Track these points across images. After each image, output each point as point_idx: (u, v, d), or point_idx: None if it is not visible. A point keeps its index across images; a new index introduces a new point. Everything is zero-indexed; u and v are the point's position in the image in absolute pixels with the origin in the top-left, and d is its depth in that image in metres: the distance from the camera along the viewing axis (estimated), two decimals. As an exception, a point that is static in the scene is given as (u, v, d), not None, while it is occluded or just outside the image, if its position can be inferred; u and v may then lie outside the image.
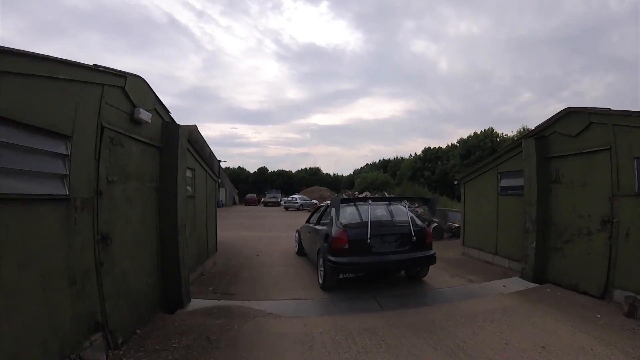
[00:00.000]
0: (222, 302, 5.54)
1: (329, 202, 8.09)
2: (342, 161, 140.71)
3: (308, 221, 8.88)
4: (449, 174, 44.19)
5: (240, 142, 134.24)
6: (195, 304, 5.41)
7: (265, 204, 42.42)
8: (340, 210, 6.34)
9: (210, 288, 6.38)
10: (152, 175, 4.94)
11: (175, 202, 5.11)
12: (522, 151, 7.31)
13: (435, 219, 14.30)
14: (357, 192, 35.66)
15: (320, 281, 6.33)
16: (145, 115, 4.49)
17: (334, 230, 6.05)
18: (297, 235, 9.88)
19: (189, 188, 6.38)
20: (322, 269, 6.25)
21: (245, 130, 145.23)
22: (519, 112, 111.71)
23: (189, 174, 6.27)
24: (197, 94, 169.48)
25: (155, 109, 4.97)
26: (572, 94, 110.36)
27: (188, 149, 6.01)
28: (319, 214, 7.94)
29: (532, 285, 6.43)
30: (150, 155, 4.92)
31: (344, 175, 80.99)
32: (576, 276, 5.97)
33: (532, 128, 7.56)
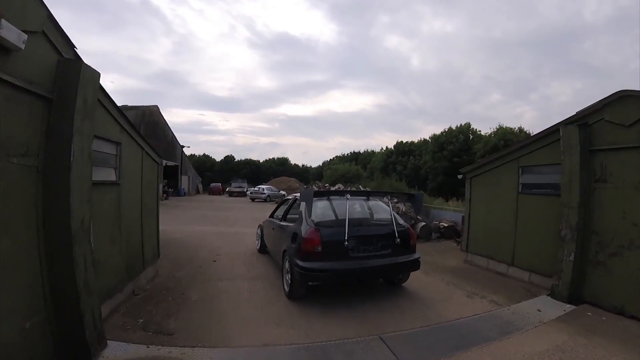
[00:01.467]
0: (154, 352, 3.57)
1: (297, 194, 7.16)
2: (311, 152, 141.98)
3: (272, 215, 7.71)
4: (421, 169, 43.67)
5: (208, 130, 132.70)
6: (113, 353, 3.47)
7: (230, 194, 39.94)
8: (312, 205, 5.35)
9: (140, 320, 4.33)
10: (29, 145, 2.90)
11: (68, 191, 3.07)
12: (555, 141, 6.00)
13: (419, 217, 12.76)
14: (327, 185, 34.20)
15: (286, 289, 5.37)
16: (13, 33, 2.51)
17: (304, 229, 5.05)
18: (259, 231, 8.75)
19: (111, 171, 4.35)
20: (288, 275, 5.30)
21: (213, 117, 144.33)
22: (488, 111, 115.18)
23: (109, 149, 4.25)
24: (165, 78, 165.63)
25: (44, 33, 2.99)
26: (541, 96, 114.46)
27: (105, 107, 3.97)
28: (286, 207, 6.88)
29: (568, 307, 5.24)
30: (27, 110, 2.88)
31: (313, 166, 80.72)
32: (623, 297, 4.96)
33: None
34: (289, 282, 5.26)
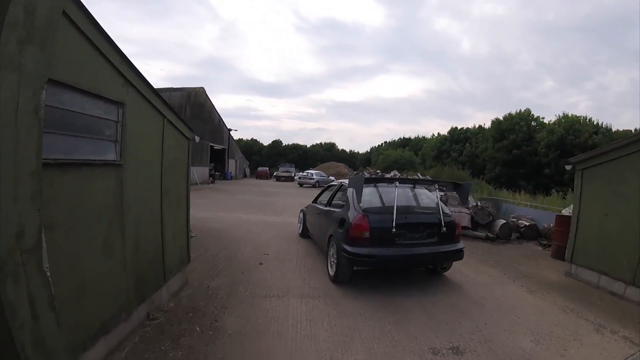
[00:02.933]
0: None
1: (342, 180, 7.29)
2: (357, 138, 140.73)
3: (315, 201, 7.81)
4: (478, 158, 40.46)
5: (255, 115, 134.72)
6: None
7: (278, 178, 38.85)
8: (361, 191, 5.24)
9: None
10: None
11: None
12: None
13: (488, 212, 10.70)
14: (379, 171, 32.33)
15: (331, 273, 5.46)
16: None
17: (353, 215, 5.17)
18: (301, 215, 8.77)
19: (108, 146, 2.87)
20: (334, 258, 5.39)
21: (260, 103, 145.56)
22: (540, 99, 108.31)
23: (104, 111, 2.73)
24: (213, 64, 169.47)
25: None
26: (596, 86, 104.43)
27: (90, 40, 2.45)
28: (331, 193, 6.92)
29: None
30: None
31: (360, 152, 78.97)
32: None
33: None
34: (334, 266, 5.31)
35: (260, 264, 6.12)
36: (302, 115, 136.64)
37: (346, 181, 6.60)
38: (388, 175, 21.52)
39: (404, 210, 5.26)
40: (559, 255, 7.61)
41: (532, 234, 10.32)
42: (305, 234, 8.26)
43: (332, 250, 5.46)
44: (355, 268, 5.18)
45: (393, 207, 5.06)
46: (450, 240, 5.41)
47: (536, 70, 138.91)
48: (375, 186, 5.77)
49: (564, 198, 16.40)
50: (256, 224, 10.09)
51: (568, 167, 7.18)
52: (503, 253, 8.30)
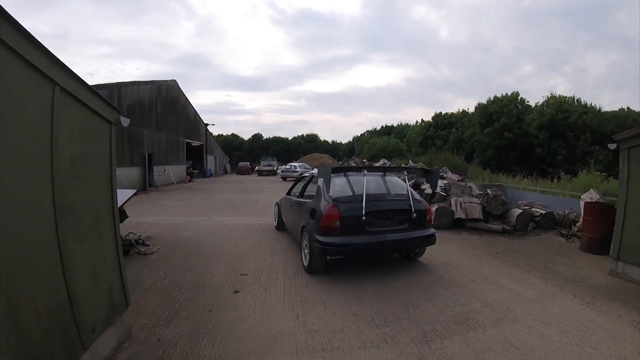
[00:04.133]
0: None
1: (314, 171, 7.29)
2: (338, 129, 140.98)
3: (289, 193, 7.84)
4: (465, 143, 39.55)
5: (235, 110, 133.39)
6: None
7: (260, 173, 37.11)
8: (331, 181, 5.27)
9: None
10: None
11: None
12: None
13: (502, 201, 9.41)
14: (365, 160, 31.06)
15: (305, 264, 5.50)
16: None
17: (323, 205, 5.17)
18: (276, 208, 8.93)
19: None
20: (307, 249, 5.46)
21: (240, 98, 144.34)
22: (520, 83, 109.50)
23: None
24: (191, 61, 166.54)
25: None
26: (575, 68, 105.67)
27: None
28: (303, 184, 6.96)
29: None
30: None
31: (343, 142, 77.82)
32: None
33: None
34: (308, 257, 5.38)
35: (236, 291, 4.59)
36: (282, 108, 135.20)
37: (315, 172, 6.63)
38: (377, 164, 20.21)
39: (373, 198, 5.32)
40: (592, 248, 6.80)
41: (549, 223, 9.23)
42: (281, 226, 8.27)
43: (305, 241, 5.51)
44: (328, 258, 5.23)
45: (362, 195, 5.08)
46: (421, 226, 5.46)
47: (515, 56, 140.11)
48: (345, 175, 5.84)
49: (570, 181, 15.40)
50: (235, 229, 8.57)
51: (612, 146, 5.89)
52: (529, 250, 7.10)
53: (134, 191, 6.61)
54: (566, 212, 9.30)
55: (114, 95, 17.42)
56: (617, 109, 32.20)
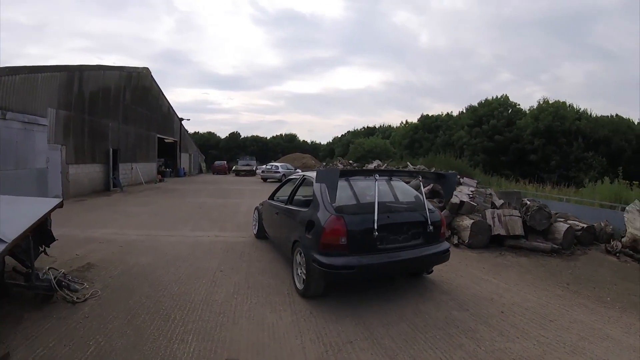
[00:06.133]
0: None
1: (306, 173, 5.93)
2: (316, 130, 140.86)
3: (272, 197, 6.65)
4: (454, 146, 38.47)
5: (212, 108, 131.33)
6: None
7: (237, 173, 34.61)
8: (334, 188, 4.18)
9: None
10: None
11: None
12: None
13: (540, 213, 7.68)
14: (351, 161, 29.30)
15: (299, 286, 4.45)
16: None
17: (324, 217, 4.15)
18: (256, 214, 7.69)
19: None
20: (302, 269, 4.35)
21: (218, 96, 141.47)
22: (497, 90, 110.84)
23: None
24: (169, 57, 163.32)
25: None
26: (551, 77, 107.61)
27: None
28: (292, 188, 5.71)
29: None
30: None
31: (322, 143, 76.64)
32: None
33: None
34: (304, 278, 4.29)
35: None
36: (260, 108, 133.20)
37: (310, 174, 5.41)
38: (371, 166, 18.38)
39: (384, 208, 4.43)
40: None
41: (590, 238, 7.80)
42: (261, 234, 7.25)
43: (299, 259, 4.51)
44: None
45: (372, 204, 4.20)
46: (436, 239, 4.70)
47: (494, 63, 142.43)
48: (346, 180, 4.82)
49: (583, 187, 14.04)
50: (210, 251, 6.40)
51: None
52: (595, 276, 5.81)
53: (57, 201, 4.37)
54: (602, 224, 7.99)
55: (74, 79, 14.82)
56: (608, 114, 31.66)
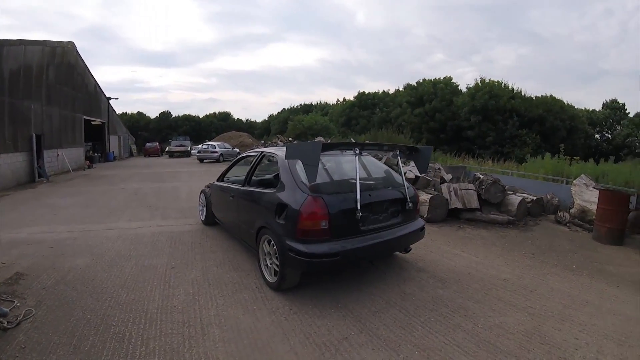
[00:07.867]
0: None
1: (265, 150, 5.12)
2: (250, 108, 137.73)
3: (222, 178, 6.08)
4: (391, 123, 39.25)
5: (141, 87, 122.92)
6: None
7: (171, 155, 32.90)
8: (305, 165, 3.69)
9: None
10: None
11: None
12: None
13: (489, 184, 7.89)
14: (290, 138, 28.75)
15: (270, 279, 3.96)
16: None
17: (300, 199, 3.60)
18: (202, 198, 6.95)
19: None
20: (272, 260, 3.87)
21: (147, 74, 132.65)
22: (431, 70, 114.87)
23: None
24: (95, 33, 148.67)
25: None
26: (483, 59, 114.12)
27: None
28: (248, 168, 5.05)
29: None
30: None
31: (258, 121, 74.25)
32: None
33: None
34: (275, 269, 3.82)
35: None
36: (192, 86, 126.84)
37: (272, 150, 4.84)
38: (316, 140, 18.05)
39: (364, 186, 3.98)
40: (614, 239, 6.19)
41: (539, 209, 8.17)
42: (211, 220, 6.61)
43: (268, 248, 4.01)
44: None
45: (350, 182, 3.88)
46: (413, 217, 4.47)
47: (429, 44, 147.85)
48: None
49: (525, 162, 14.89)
50: (156, 245, 5.64)
51: None
52: (555, 245, 6.02)
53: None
54: (549, 197, 8.53)
55: (-8, 55, 12.62)
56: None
